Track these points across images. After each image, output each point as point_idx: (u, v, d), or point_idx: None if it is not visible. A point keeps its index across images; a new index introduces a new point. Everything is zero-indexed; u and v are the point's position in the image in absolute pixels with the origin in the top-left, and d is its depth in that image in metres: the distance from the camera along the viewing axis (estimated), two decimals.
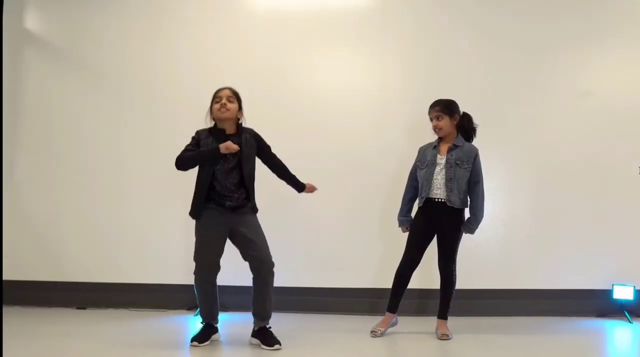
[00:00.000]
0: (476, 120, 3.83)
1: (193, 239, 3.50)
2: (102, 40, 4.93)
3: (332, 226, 4.63)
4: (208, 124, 3.55)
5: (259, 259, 3.37)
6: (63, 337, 3.53)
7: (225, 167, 3.41)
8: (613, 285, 4.38)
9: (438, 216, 3.68)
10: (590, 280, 4.46)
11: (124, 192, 4.81)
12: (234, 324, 3.98)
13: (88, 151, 4.86)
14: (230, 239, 3.47)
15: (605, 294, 4.40)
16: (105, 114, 4.88)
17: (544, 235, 4.54)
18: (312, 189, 3.68)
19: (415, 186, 3.84)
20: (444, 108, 3.73)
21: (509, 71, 4.66)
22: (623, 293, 4.34)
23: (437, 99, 3.81)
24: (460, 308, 4.21)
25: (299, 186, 3.67)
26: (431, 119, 3.77)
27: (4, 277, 4.65)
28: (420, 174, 3.78)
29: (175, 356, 3.19)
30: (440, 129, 3.73)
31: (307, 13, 4.80)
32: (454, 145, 3.70)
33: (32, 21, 5.03)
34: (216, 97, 3.49)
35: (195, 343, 3.37)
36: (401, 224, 3.88)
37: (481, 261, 4.50)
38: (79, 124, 4.90)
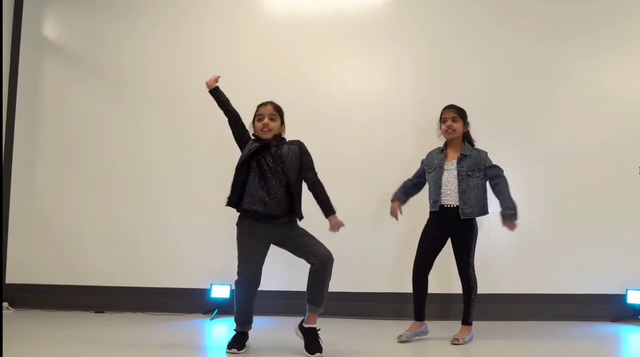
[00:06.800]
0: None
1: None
2: (121, 48, 5.02)
3: (354, 228, 4.59)
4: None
5: (318, 250, 3.23)
6: (81, 341, 3.56)
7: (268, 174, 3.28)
8: (627, 290, 4.38)
9: (451, 223, 3.65)
10: (604, 285, 4.46)
11: (142, 198, 4.89)
12: (259, 328, 3.98)
13: (107, 157, 4.95)
14: (279, 246, 3.36)
15: (619, 299, 4.40)
16: (124, 120, 4.97)
17: (557, 239, 4.55)
18: (337, 226, 3.35)
19: (416, 183, 3.84)
20: (460, 112, 3.73)
21: (521, 78, 4.68)
22: (637, 298, 4.34)
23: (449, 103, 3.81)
24: (475, 312, 4.22)
25: (328, 210, 3.37)
26: (444, 121, 3.71)
27: (25, 281, 4.81)
28: (429, 178, 3.76)
29: None
30: (454, 130, 3.68)
31: (323, 20, 4.89)
32: (463, 155, 3.67)
33: (51, 29, 5.12)
34: (258, 114, 3.39)
35: (234, 350, 3.22)
36: (394, 197, 3.80)
37: (495, 266, 4.50)
38: (98, 130, 4.99)
